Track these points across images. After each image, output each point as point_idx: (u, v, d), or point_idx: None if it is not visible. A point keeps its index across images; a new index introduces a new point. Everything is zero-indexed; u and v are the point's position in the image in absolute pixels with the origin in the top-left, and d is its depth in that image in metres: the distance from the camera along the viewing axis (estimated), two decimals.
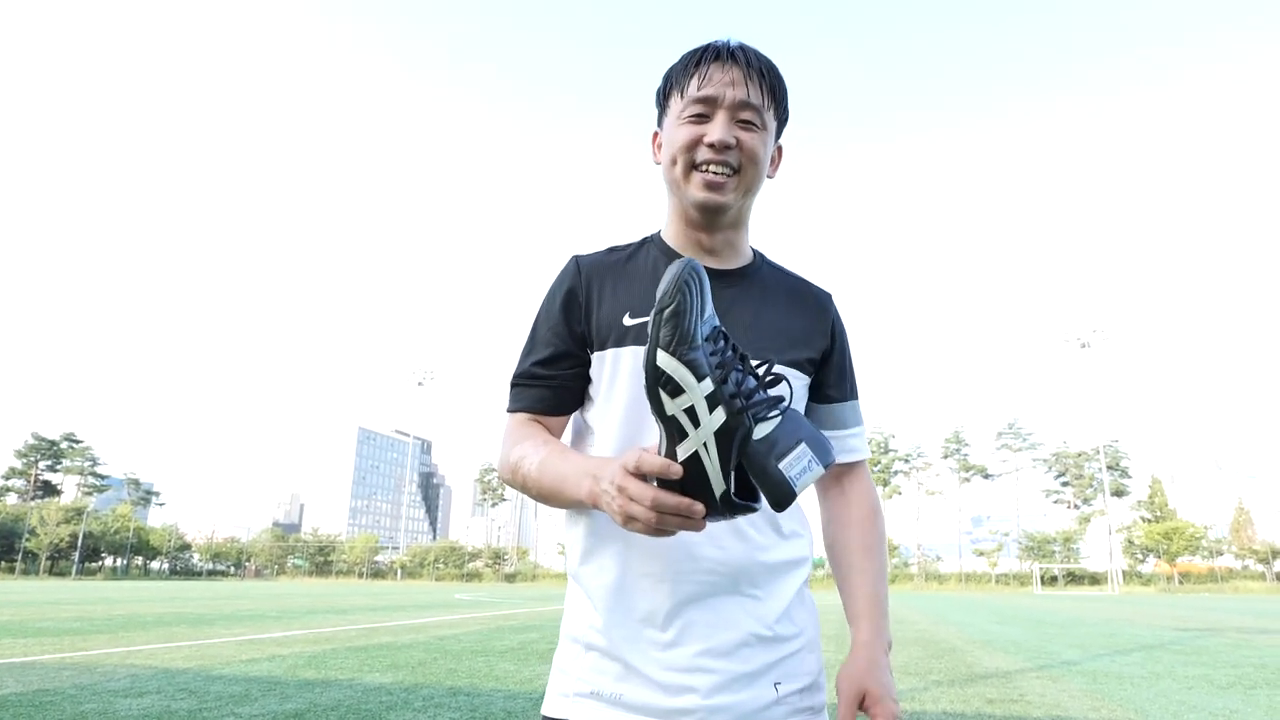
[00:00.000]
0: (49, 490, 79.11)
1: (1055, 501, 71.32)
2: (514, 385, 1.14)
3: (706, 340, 0.79)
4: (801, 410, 1.14)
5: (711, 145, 1.05)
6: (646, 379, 0.80)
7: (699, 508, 0.79)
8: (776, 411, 0.80)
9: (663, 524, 0.81)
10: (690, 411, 0.78)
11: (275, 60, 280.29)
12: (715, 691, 0.98)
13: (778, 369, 0.88)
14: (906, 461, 73.10)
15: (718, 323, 0.83)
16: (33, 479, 77.83)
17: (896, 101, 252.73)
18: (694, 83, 1.07)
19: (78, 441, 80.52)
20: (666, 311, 0.79)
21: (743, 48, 1.09)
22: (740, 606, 1.02)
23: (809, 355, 1.14)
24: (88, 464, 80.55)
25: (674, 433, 0.80)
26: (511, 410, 1.14)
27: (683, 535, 0.95)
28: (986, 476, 71.87)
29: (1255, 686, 7.13)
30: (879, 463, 71.77)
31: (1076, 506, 69.28)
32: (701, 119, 1.07)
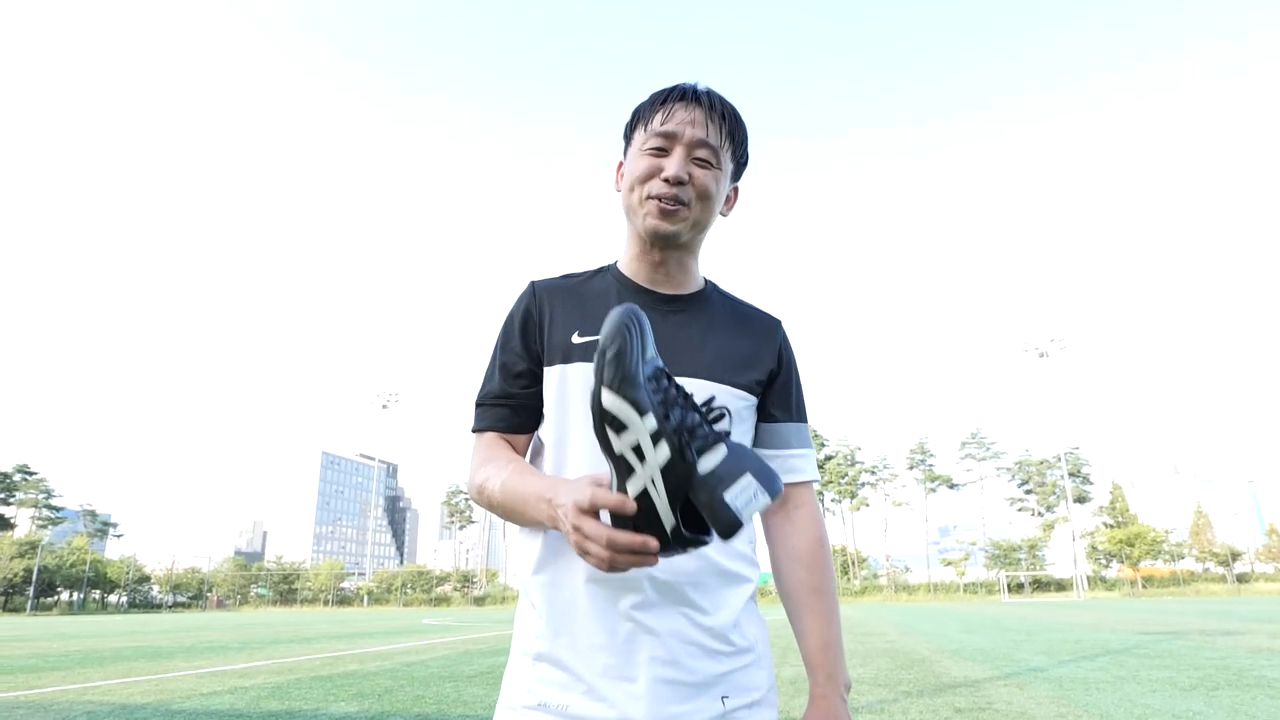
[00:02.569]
0: (2, 524, 76.36)
1: (1019, 509, 72.43)
2: (478, 406, 1.19)
3: (649, 379, 0.82)
4: (749, 432, 1.18)
5: (667, 179, 1.11)
6: (594, 418, 0.84)
7: (654, 544, 0.82)
8: (720, 444, 0.82)
9: (616, 561, 0.84)
10: (636, 449, 0.81)
11: (233, 80, 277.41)
12: (661, 703, 0.99)
13: (721, 402, 0.90)
14: (873, 473, 73.79)
15: (660, 363, 0.86)
16: None
17: (854, 113, 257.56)
18: (658, 118, 1.14)
19: (31, 473, 77.97)
20: (609, 352, 0.82)
21: (709, 92, 1.16)
22: (687, 618, 1.03)
23: (756, 377, 1.18)
24: (42, 496, 77.99)
25: (622, 470, 0.83)
26: (476, 430, 1.19)
27: None
28: (952, 486, 72.81)
29: (1218, 688, 7.29)
30: (846, 474, 72.35)
31: (1040, 514, 70.44)
32: (661, 153, 1.13)
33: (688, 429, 0.82)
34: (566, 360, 1.13)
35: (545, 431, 1.17)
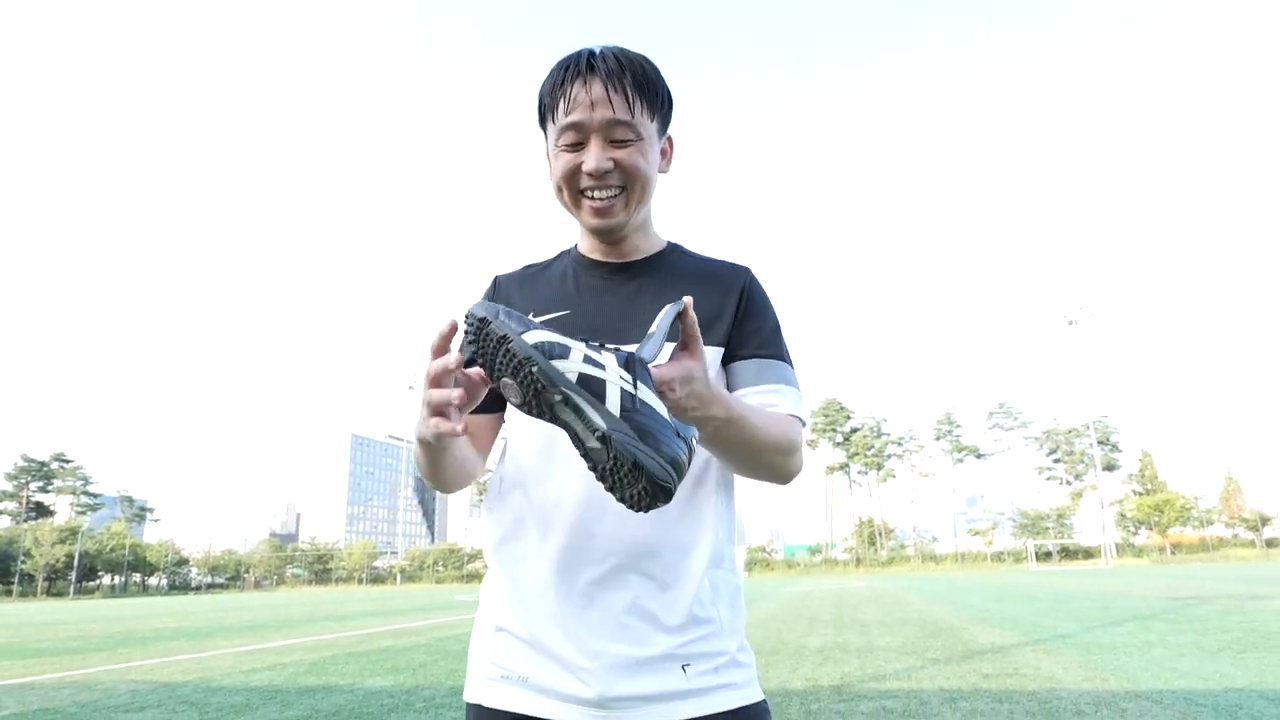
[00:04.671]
0: (42, 511, 78.51)
1: (1048, 478, 71.82)
2: None
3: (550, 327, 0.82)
4: (721, 381, 1.16)
5: (590, 173, 1.06)
6: (523, 367, 0.77)
7: (452, 360, 0.83)
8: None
9: (438, 427, 0.85)
10: (590, 360, 0.78)
11: (256, 62, 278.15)
12: (621, 674, 0.99)
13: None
14: (899, 445, 73.42)
15: None
16: (24, 501, 77.22)
17: (879, 81, 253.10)
18: (561, 108, 1.06)
19: (68, 461, 79.93)
20: (499, 312, 0.79)
21: (603, 56, 1.06)
22: (645, 591, 1.02)
23: (723, 330, 1.13)
24: (79, 483, 79.97)
25: (590, 394, 0.77)
26: None
27: (587, 518, 1.01)
28: (979, 456, 72.28)
29: (1244, 650, 7.26)
30: (872, 446, 72.07)
31: (1069, 482, 69.81)
32: (576, 146, 1.07)
33: (604, 345, 0.83)
34: None
35: (507, 414, 1.17)
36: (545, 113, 1.12)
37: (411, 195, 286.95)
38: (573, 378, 0.77)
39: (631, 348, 1.07)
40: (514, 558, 1.08)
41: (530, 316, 1.12)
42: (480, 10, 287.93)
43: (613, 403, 0.77)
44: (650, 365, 0.84)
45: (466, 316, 0.80)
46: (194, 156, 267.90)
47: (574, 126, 1.06)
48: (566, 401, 0.77)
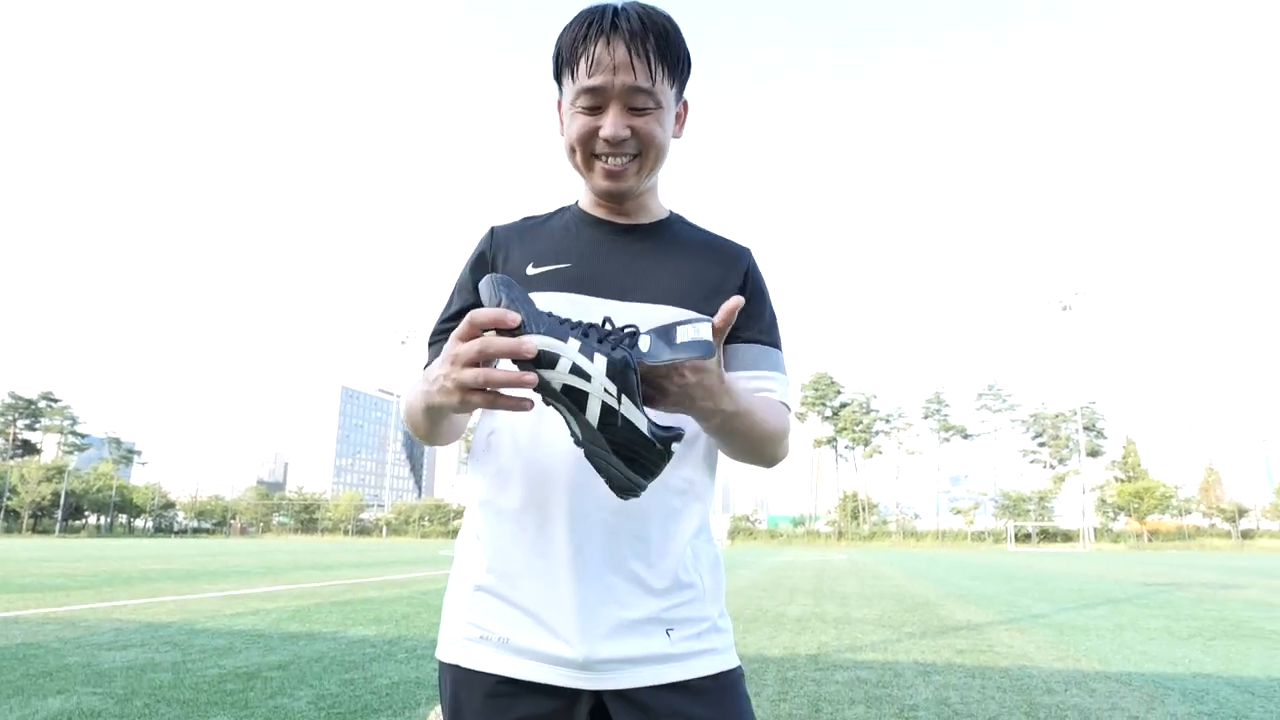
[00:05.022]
0: (28, 449, 78.56)
1: (1031, 461, 72.68)
2: (429, 345, 1.17)
3: (546, 315, 0.81)
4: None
5: (607, 140, 1.04)
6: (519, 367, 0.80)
7: (529, 345, 0.77)
8: (640, 333, 0.83)
9: (491, 377, 0.79)
10: (575, 370, 0.78)
11: (253, 11, 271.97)
12: (607, 636, 0.98)
13: (633, 315, 0.88)
14: (888, 421, 74.03)
15: (546, 310, 0.84)
16: (11, 438, 77.22)
17: (881, 63, 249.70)
18: (581, 67, 1.03)
19: (56, 400, 79.82)
20: (502, 300, 0.80)
21: (626, 15, 1.03)
22: (630, 554, 1.00)
23: (720, 304, 1.10)
24: (67, 423, 79.93)
25: (574, 399, 0.79)
26: (424, 368, 1.16)
27: (576, 477, 0.97)
28: (966, 437, 73.02)
29: (1214, 638, 7.39)
30: (860, 422, 72.60)
31: (1052, 466, 70.66)
32: (594, 110, 1.04)
33: (607, 335, 0.82)
34: None
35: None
36: (562, 66, 1.08)
37: (407, 146, 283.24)
38: (556, 386, 0.78)
39: (630, 308, 1.07)
40: (500, 514, 1.05)
41: (529, 267, 1.11)
42: None
43: (592, 415, 0.79)
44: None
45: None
46: (194, 109, 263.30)
47: (593, 90, 1.03)
48: (547, 403, 0.82)
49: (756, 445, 1.04)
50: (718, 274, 1.13)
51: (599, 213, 1.17)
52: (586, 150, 1.07)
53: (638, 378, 0.79)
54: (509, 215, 1.27)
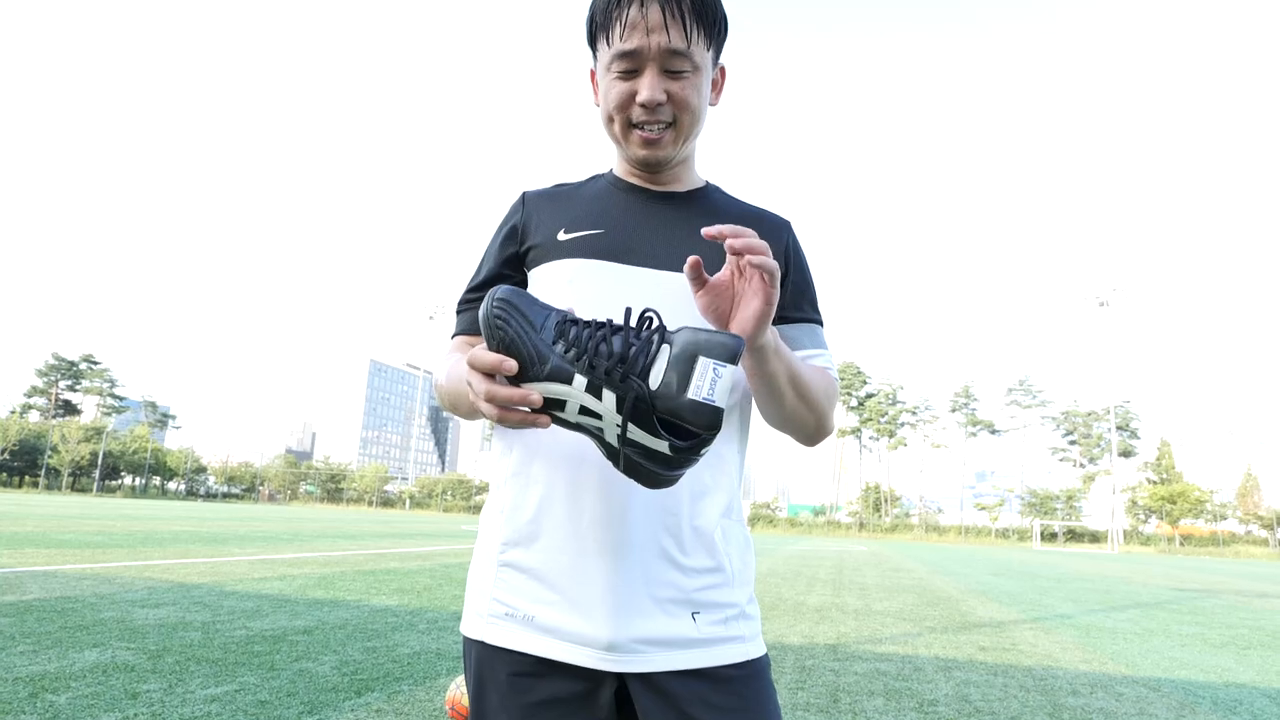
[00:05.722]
0: (69, 410, 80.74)
1: (1061, 460, 71.53)
2: (457, 313, 1.17)
3: (553, 343, 0.78)
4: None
5: (644, 104, 1.02)
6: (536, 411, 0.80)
7: (535, 397, 0.78)
8: (660, 346, 0.77)
9: (505, 417, 0.80)
10: (585, 410, 0.78)
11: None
12: (634, 617, 0.96)
13: (639, 308, 0.83)
14: (914, 414, 73.27)
15: (553, 313, 0.81)
16: (53, 398, 79.38)
17: (914, 50, 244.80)
18: (616, 31, 1.01)
19: (96, 363, 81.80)
20: (512, 326, 0.79)
21: None
22: (658, 532, 0.98)
23: None
24: (106, 385, 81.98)
25: (592, 433, 0.80)
26: (452, 337, 1.17)
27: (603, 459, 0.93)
28: (994, 432, 72.02)
29: (1249, 647, 7.23)
30: (886, 413, 71.94)
31: (1082, 465, 69.50)
32: (630, 74, 1.02)
33: (620, 359, 0.76)
34: (554, 258, 1.09)
35: None
36: (596, 31, 1.06)
37: (435, 120, 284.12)
38: (570, 420, 0.80)
39: (662, 276, 1.04)
40: (526, 488, 1.03)
41: (560, 233, 1.10)
42: None
43: (610, 439, 0.79)
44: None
45: (490, 315, 0.79)
46: (229, 91, 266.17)
47: (628, 54, 1.01)
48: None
49: (805, 397, 1.01)
50: None
51: (634, 180, 1.14)
52: (624, 118, 1.05)
53: (650, 406, 0.76)
54: (539, 183, 1.25)
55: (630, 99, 1.03)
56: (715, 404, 0.74)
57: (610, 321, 0.80)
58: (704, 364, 0.74)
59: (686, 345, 0.76)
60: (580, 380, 0.76)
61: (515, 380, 0.78)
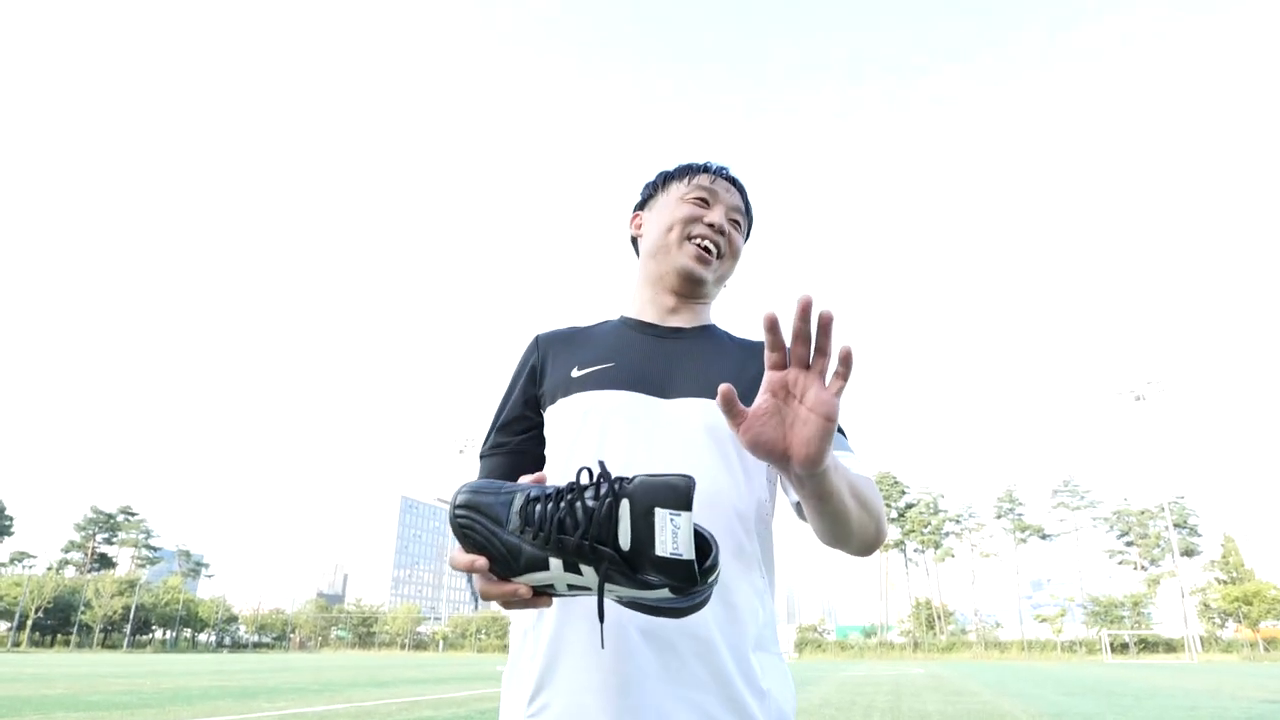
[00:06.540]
0: (105, 563, 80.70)
1: (1120, 562, 68.00)
2: (480, 459, 1.23)
3: (523, 531, 0.78)
4: None
5: (711, 225, 1.22)
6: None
7: (523, 590, 0.80)
8: (618, 502, 0.75)
9: (507, 605, 0.83)
10: (571, 586, 0.80)
11: (310, 82, 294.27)
12: None
13: (594, 460, 0.83)
14: (958, 522, 70.76)
15: (521, 491, 0.81)
16: (90, 552, 79.59)
17: (945, 151, 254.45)
18: (697, 178, 1.26)
19: (134, 514, 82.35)
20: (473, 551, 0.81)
21: (719, 168, 1.29)
22: (684, 673, 0.95)
23: None
24: (142, 536, 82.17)
25: (582, 591, 0.82)
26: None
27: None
28: (1044, 537, 69.03)
29: None
30: (929, 524, 69.59)
31: (1144, 568, 65.91)
32: (703, 203, 1.24)
33: (584, 531, 0.75)
34: (566, 394, 1.15)
35: (549, 472, 1.12)
36: (671, 178, 1.29)
37: (462, 258, 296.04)
38: (565, 593, 0.82)
39: (672, 404, 1.09)
40: (555, 638, 1.01)
41: (574, 370, 1.17)
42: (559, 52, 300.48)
43: (607, 598, 0.80)
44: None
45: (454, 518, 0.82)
46: (249, 204, 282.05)
47: (709, 191, 1.25)
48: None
49: (869, 515, 0.96)
50: (758, 367, 1.11)
51: (645, 316, 1.25)
52: (685, 230, 1.22)
53: (630, 568, 0.75)
54: (555, 323, 1.35)
55: (698, 218, 1.22)
56: (682, 558, 0.73)
57: (574, 484, 0.79)
58: (661, 516, 0.73)
59: (641, 499, 0.74)
60: (555, 563, 0.77)
61: (501, 575, 0.80)
